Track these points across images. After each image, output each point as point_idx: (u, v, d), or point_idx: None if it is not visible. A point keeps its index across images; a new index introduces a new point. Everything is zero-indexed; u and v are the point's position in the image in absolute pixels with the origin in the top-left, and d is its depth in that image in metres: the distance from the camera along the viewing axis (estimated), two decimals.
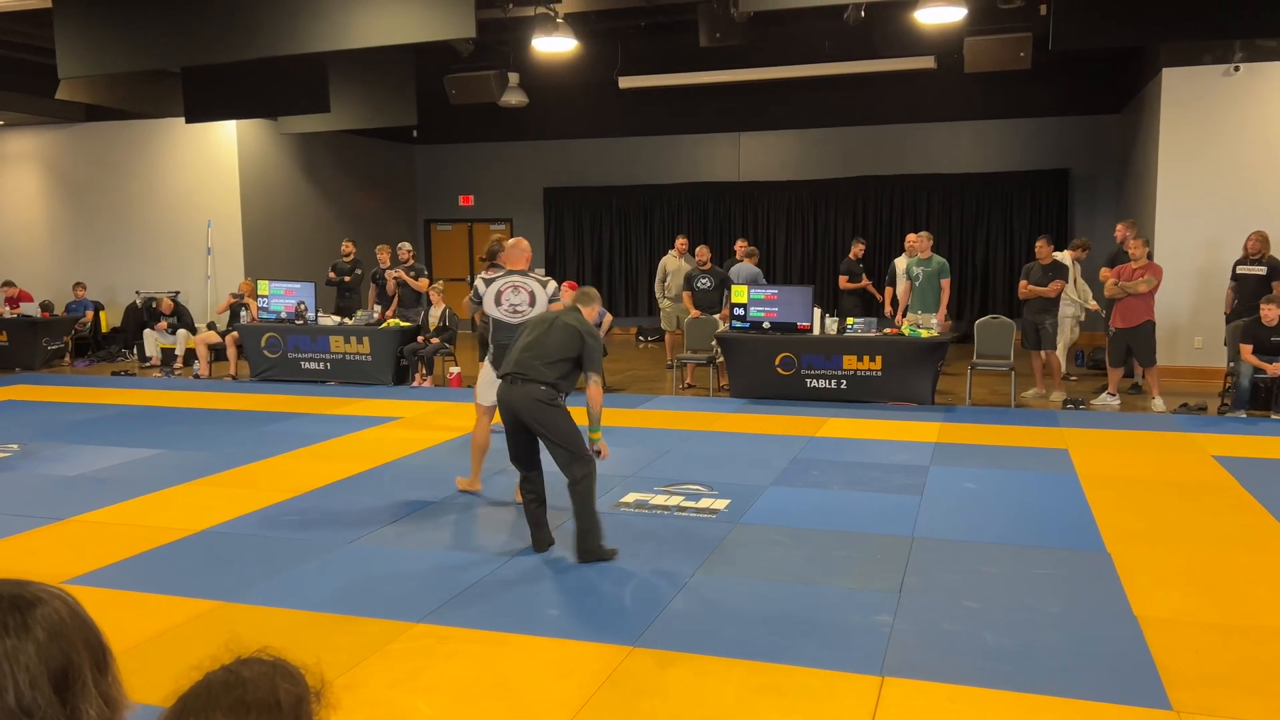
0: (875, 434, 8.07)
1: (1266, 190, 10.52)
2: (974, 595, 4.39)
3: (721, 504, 5.94)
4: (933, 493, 6.18)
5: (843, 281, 11.68)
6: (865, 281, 11.92)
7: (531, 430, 4.86)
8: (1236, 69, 10.46)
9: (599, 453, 4.94)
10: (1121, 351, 9.38)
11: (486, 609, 4.32)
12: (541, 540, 5.05)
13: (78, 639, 1.23)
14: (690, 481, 6.45)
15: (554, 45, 10.35)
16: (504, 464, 7.01)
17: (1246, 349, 8.65)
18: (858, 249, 11.86)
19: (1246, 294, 9.64)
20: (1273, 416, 8.63)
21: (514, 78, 12.58)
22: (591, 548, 4.85)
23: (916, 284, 10.12)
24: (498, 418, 5.27)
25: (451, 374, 10.89)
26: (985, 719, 3.29)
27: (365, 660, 3.77)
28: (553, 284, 6.05)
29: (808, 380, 9.61)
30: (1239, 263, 9.84)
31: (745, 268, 11.53)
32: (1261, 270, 9.62)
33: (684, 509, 5.83)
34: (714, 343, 10.19)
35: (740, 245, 12.15)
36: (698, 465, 6.96)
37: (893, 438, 7.91)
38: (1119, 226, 10.27)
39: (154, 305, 13.30)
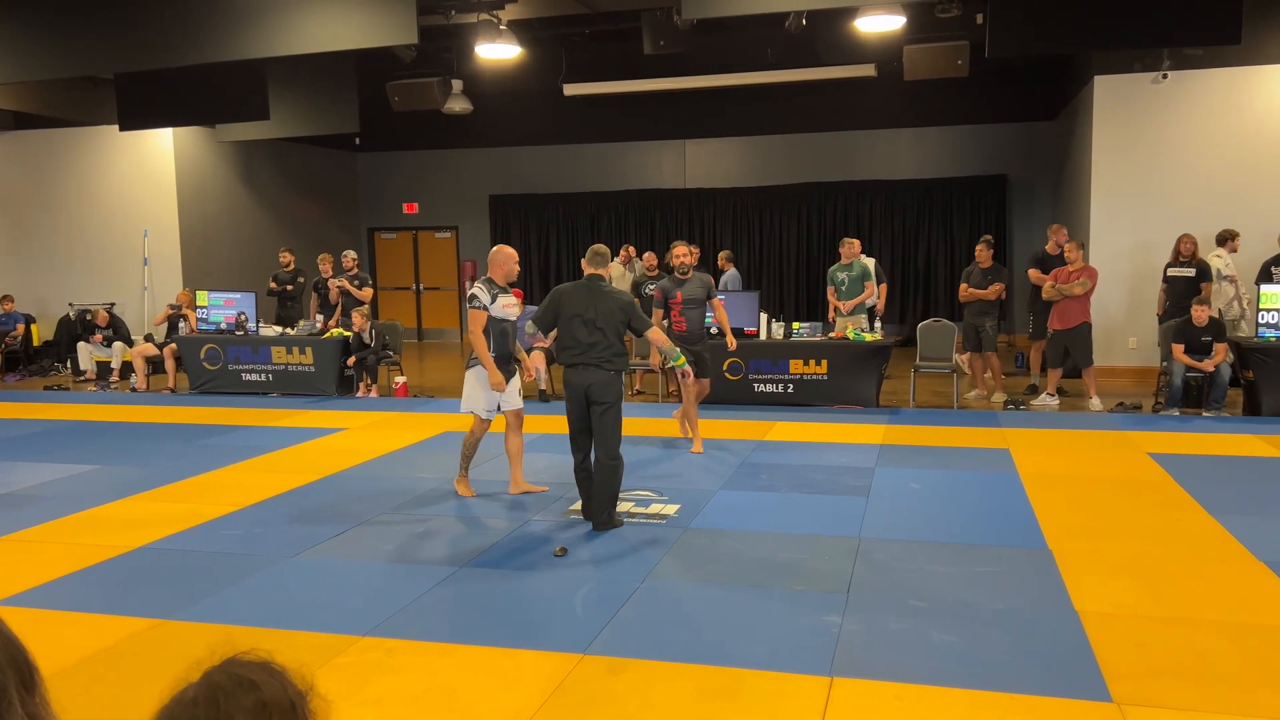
0: (822, 437, 8.15)
1: (1195, 194, 10.83)
2: (920, 594, 4.45)
3: (671, 509, 5.95)
4: (879, 494, 6.26)
5: (963, 291, 10.23)
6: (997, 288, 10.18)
7: (594, 404, 5.54)
8: (1165, 76, 10.77)
9: (685, 374, 6.47)
10: (1060, 352, 9.59)
11: (434, 620, 4.27)
12: (591, 511, 5.67)
13: (3, 658, 1.19)
14: (640, 487, 6.45)
15: (497, 52, 10.31)
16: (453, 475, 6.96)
17: (1178, 348, 8.89)
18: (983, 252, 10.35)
19: (1177, 295, 9.92)
20: (1204, 414, 8.88)
21: (457, 85, 12.51)
22: (608, 520, 5.60)
23: (842, 290, 10.25)
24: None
25: (397, 383, 10.76)
26: (932, 716, 3.33)
27: (311, 674, 3.69)
28: (470, 291, 6.11)
29: (755, 385, 9.67)
30: (1169, 265, 10.12)
31: (732, 275, 11.80)
32: (1191, 272, 9.90)
33: (634, 515, 5.83)
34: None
35: (724, 255, 12.26)
36: (647, 471, 6.96)
37: (839, 440, 8.00)
38: (1052, 230, 10.49)
39: (88, 317, 12.96)
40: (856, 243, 10.47)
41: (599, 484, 5.59)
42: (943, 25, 9.78)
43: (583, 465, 5.76)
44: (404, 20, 7.81)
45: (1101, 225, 11.13)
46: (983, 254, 10.04)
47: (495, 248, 6.22)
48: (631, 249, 12.50)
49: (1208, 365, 8.78)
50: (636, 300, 7.09)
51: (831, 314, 10.99)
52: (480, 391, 6.16)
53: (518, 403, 6.26)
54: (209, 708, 1.13)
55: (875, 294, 10.29)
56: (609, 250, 5.92)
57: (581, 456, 5.75)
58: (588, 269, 5.78)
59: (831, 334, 9.81)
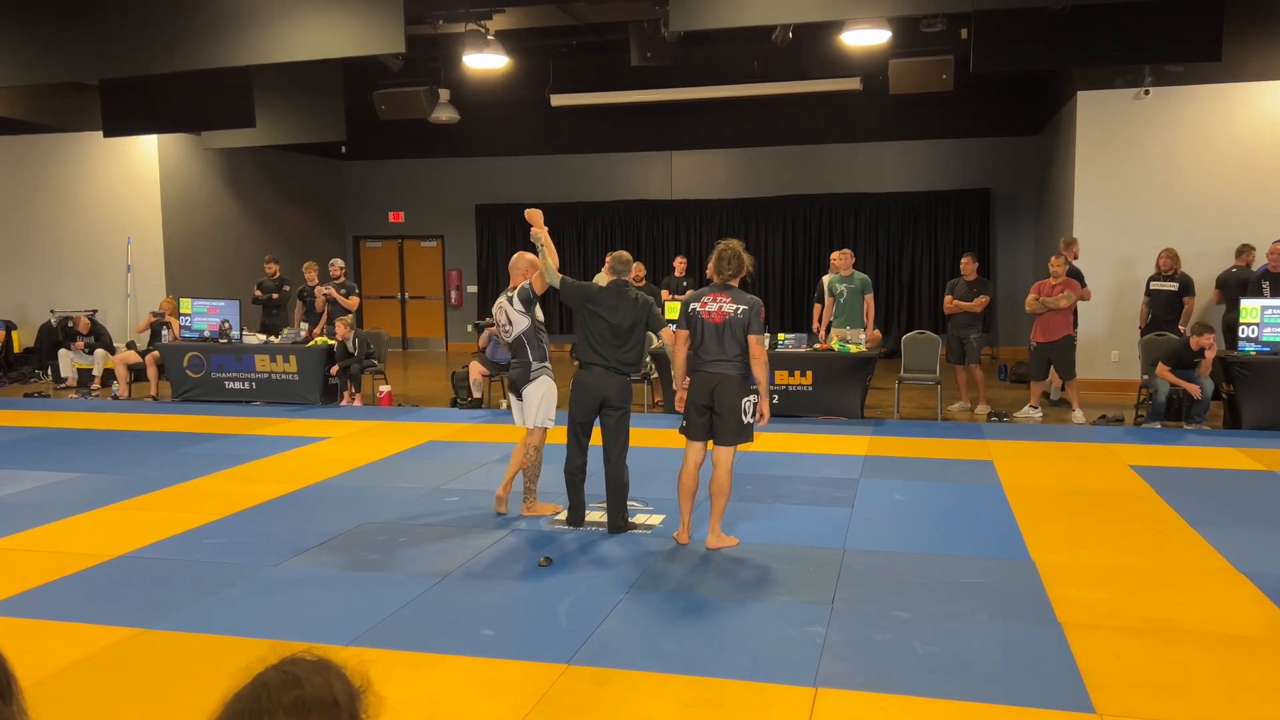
0: (806, 448, 8.16)
1: (1176, 208, 10.94)
2: (904, 605, 4.45)
3: (656, 519, 5.95)
4: (863, 505, 6.27)
5: (949, 303, 10.10)
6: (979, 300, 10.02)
7: (608, 408, 5.60)
8: (1146, 93, 10.88)
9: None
10: (1043, 365, 9.63)
11: (417, 631, 4.25)
12: (580, 518, 5.81)
13: None
14: (632, 498, 6.43)
15: (485, 62, 10.34)
16: (447, 482, 6.93)
17: (1165, 369, 8.89)
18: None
19: (1159, 309, 10.00)
20: (1186, 427, 8.93)
21: (444, 94, 12.52)
22: (623, 522, 5.72)
23: (841, 301, 10.27)
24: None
25: (381, 393, 10.73)
26: None
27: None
28: (513, 292, 5.87)
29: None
30: (1151, 279, 10.20)
31: None
32: (1173, 286, 9.99)
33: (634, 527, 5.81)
34: (648, 359, 10.21)
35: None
36: (632, 481, 6.92)
37: (823, 451, 8.01)
38: (1066, 244, 10.52)
39: (70, 324, 12.86)
40: (852, 254, 10.52)
41: (615, 486, 5.68)
42: (928, 40, 9.86)
43: (580, 468, 5.75)
44: (392, 29, 7.81)
45: (1084, 239, 11.18)
46: (968, 267, 10.09)
47: (517, 254, 6.06)
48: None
49: (1195, 390, 8.79)
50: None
51: (818, 325, 10.99)
52: (551, 400, 5.90)
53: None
54: (251, 701, 1.17)
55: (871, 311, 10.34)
56: (630, 257, 5.90)
57: (581, 459, 5.74)
58: (609, 276, 5.73)
59: (818, 345, 9.83)
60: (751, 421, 5.30)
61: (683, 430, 5.43)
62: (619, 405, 5.60)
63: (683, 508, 5.50)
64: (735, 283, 5.36)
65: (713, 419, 5.27)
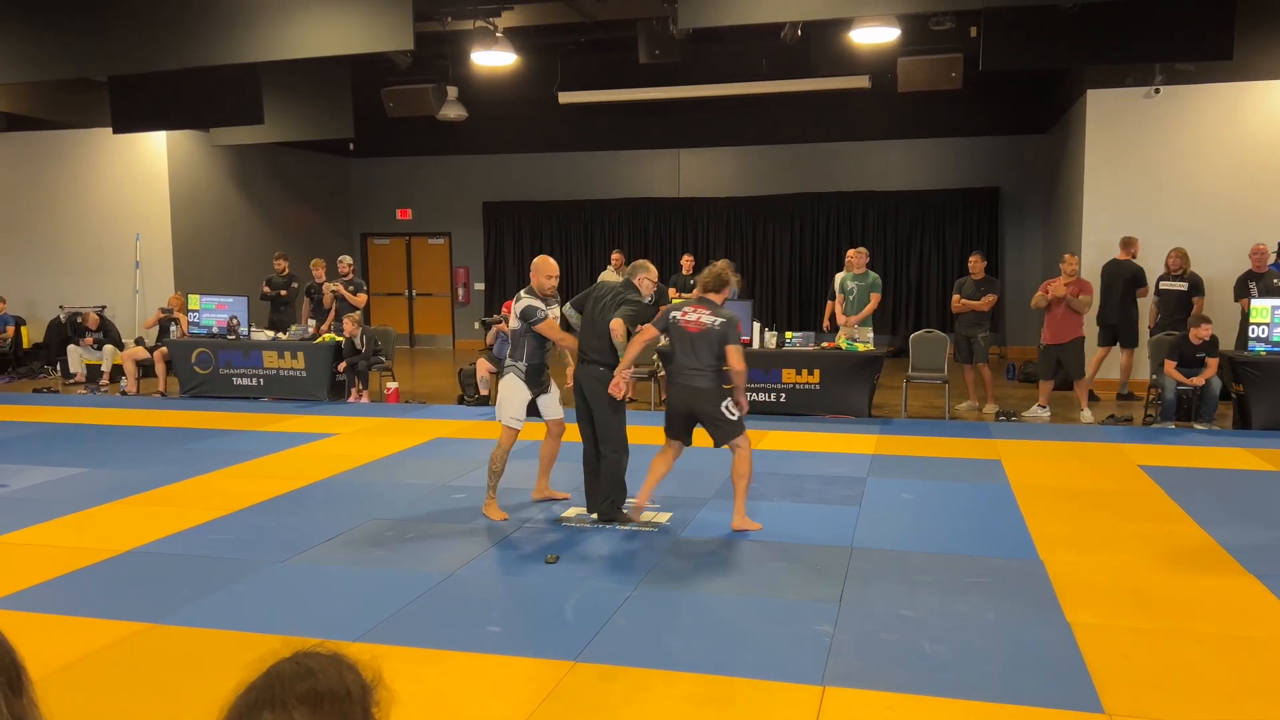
0: (814, 446, 8.15)
1: (1186, 208, 10.88)
2: (911, 604, 4.44)
3: (663, 517, 5.95)
4: (870, 503, 6.26)
5: (956, 302, 10.13)
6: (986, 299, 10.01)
7: (589, 401, 5.72)
8: (1157, 91, 10.82)
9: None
10: (1052, 365, 9.60)
11: (424, 627, 4.25)
12: (594, 502, 5.89)
13: None
14: (632, 495, 6.43)
15: (493, 59, 10.33)
16: (443, 479, 6.93)
17: (1170, 364, 8.89)
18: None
19: (1169, 309, 9.96)
20: (1196, 427, 8.90)
21: (453, 91, 12.51)
22: (608, 512, 5.77)
23: (850, 298, 10.25)
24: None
25: (389, 389, 10.74)
26: None
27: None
28: (523, 301, 5.94)
29: (747, 394, 9.64)
30: (1161, 279, 10.17)
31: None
32: (1183, 286, 9.95)
33: (625, 522, 5.81)
34: (655, 357, 10.20)
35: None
36: (639, 479, 6.92)
37: (831, 450, 8.00)
38: (1125, 242, 10.47)
39: (79, 320, 12.90)
40: (866, 252, 10.49)
41: (601, 475, 5.80)
42: (937, 38, 9.82)
43: (589, 459, 5.90)
44: (400, 26, 7.81)
45: (1093, 239, 11.16)
46: (975, 265, 10.06)
47: (540, 258, 6.14)
48: (619, 256, 12.54)
49: (1198, 381, 8.79)
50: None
51: (827, 323, 10.98)
52: (513, 398, 5.95)
53: (557, 412, 6.16)
54: (264, 691, 1.18)
55: (871, 307, 10.33)
56: (646, 264, 5.98)
57: (590, 452, 5.90)
58: (620, 276, 5.92)
59: (825, 344, 9.81)
60: (737, 417, 5.62)
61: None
62: (593, 395, 5.71)
63: (648, 479, 5.75)
64: (716, 298, 5.68)
65: (699, 428, 5.65)
